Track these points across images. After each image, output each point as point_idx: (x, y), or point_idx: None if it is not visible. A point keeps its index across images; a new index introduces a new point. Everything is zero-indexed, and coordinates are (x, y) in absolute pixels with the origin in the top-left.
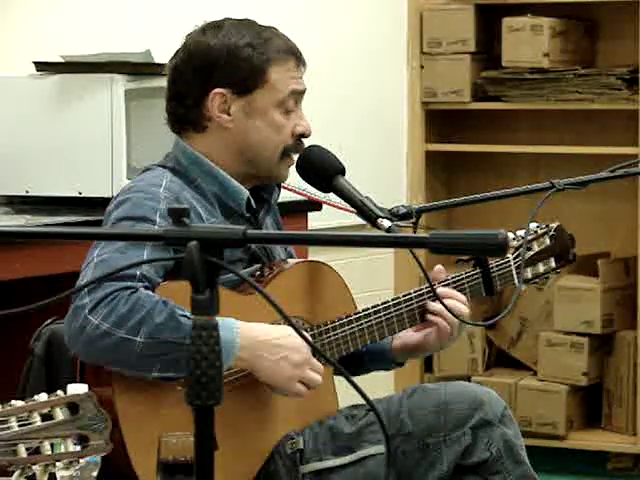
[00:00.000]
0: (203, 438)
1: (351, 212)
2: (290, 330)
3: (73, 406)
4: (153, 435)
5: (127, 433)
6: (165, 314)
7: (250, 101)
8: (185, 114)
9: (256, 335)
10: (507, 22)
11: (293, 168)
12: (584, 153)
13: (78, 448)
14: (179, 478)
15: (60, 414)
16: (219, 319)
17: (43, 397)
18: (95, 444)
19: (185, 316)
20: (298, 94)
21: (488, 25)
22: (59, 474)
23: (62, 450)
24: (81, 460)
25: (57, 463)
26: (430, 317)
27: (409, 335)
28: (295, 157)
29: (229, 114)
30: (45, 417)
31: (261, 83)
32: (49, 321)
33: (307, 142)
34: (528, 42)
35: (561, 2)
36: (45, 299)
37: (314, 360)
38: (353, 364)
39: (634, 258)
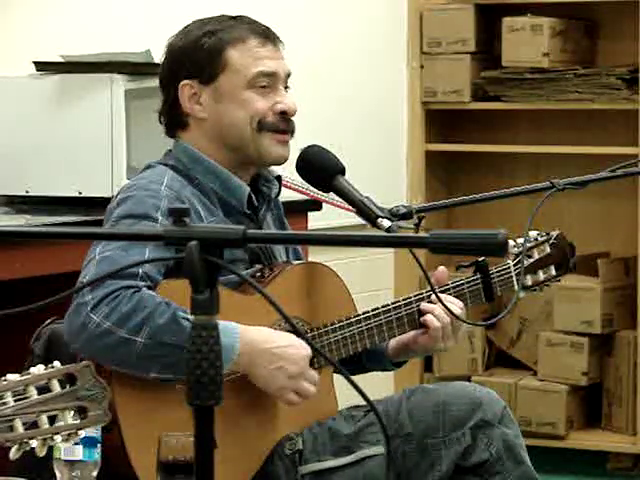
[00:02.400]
0: (203, 438)
1: (351, 211)
2: (290, 339)
3: (70, 377)
4: (153, 435)
5: (127, 432)
6: (167, 316)
7: (217, 87)
8: (169, 116)
9: (256, 342)
10: (507, 22)
11: (292, 167)
12: (584, 153)
13: (77, 420)
14: (179, 478)
15: (57, 386)
16: (220, 323)
17: (39, 369)
18: (94, 414)
19: (187, 319)
20: (267, 76)
21: (488, 25)
22: (59, 446)
23: (61, 422)
24: (80, 431)
25: (55, 436)
26: (424, 319)
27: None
28: (287, 137)
29: (200, 104)
30: (42, 390)
31: (222, 68)
32: (49, 321)
33: (306, 141)
34: (528, 42)
35: (561, 2)
36: (45, 299)
37: (310, 371)
38: (351, 363)
39: (634, 258)
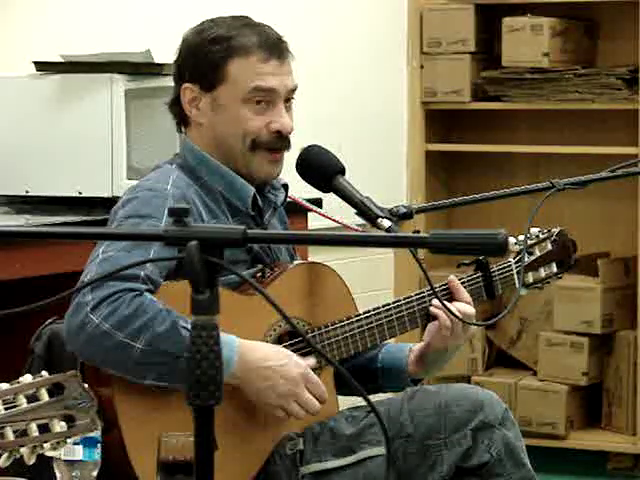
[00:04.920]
0: (203, 438)
1: (351, 228)
2: (286, 358)
3: (58, 386)
4: (153, 435)
5: (127, 433)
6: (167, 324)
7: (215, 97)
8: (175, 111)
9: (252, 359)
10: (507, 22)
11: (292, 170)
12: (584, 153)
13: (65, 429)
14: (179, 478)
15: (45, 395)
16: (221, 334)
17: (28, 379)
18: (82, 423)
19: (186, 329)
20: (263, 91)
21: (488, 25)
22: (48, 454)
23: (50, 431)
24: (68, 440)
25: (45, 444)
26: (432, 309)
27: (419, 344)
28: (280, 154)
29: (199, 109)
30: (31, 399)
31: (222, 79)
32: (49, 321)
33: (306, 141)
34: (528, 42)
35: (561, 2)
36: (45, 299)
37: (302, 393)
38: (368, 383)
39: (634, 258)
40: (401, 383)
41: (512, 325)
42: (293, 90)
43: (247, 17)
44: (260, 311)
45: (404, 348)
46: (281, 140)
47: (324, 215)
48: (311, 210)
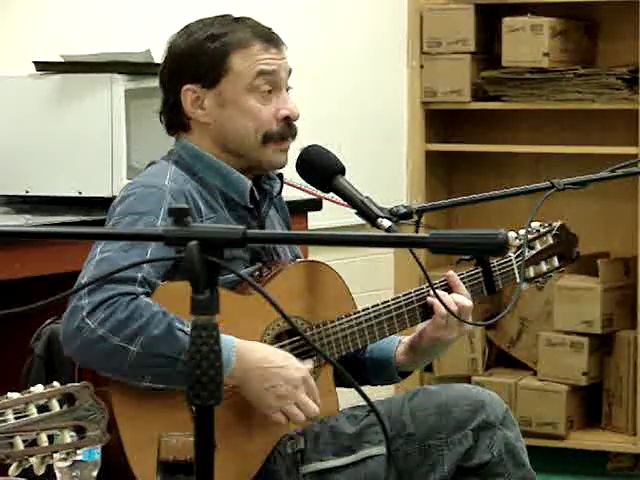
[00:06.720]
0: (203, 438)
1: (352, 208)
2: (287, 360)
3: (69, 397)
4: (151, 435)
5: (125, 433)
6: (163, 327)
7: (220, 92)
8: (171, 117)
9: (252, 359)
10: (507, 22)
11: (292, 169)
12: (584, 153)
13: (75, 439)
14: (179, 478)
15: (56, 405)
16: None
17: (39, 389)
18: (92, 434)
19: (183, 331)
20: (268, 75)
21: (488, 25)
22: (56, 465)
23: (59, 441)
24: (78, 451)
25: (54, 454)
26: (429, 299)
27: (410, 336)
28: (288, 143)
29: (203, 108)
30: (41, 409)
31: (225, 72)
32: (49, 321)
33: (306, 141)
34: (528, 42)
35: (561, 2)
36: (45, 299)
37: (302, 396)
38: (353, 373)
39: (634, 258)
40: (388, 375)
41: (512, 325)
42: (290, 73)
43: (230, 15)
44: (258, 310)
45: (394, 340)
46: (289, 127)
47: (319, 195)
48: (303, 190)
